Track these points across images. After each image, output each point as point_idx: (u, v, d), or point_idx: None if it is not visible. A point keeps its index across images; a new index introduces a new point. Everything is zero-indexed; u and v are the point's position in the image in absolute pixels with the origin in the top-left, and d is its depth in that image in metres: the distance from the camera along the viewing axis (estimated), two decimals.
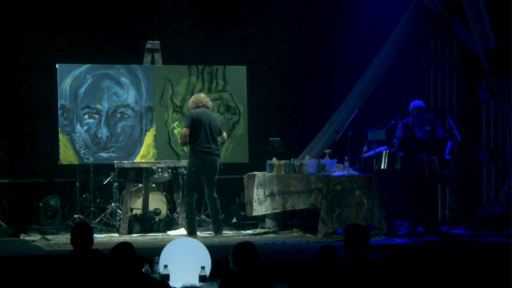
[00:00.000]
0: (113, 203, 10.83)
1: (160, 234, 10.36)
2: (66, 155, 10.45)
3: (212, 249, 6.89)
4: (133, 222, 10.47)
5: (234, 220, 11.16)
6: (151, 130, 10.73)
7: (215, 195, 10.10)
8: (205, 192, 10.16)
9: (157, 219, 10.65)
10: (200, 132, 9.91)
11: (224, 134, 10.25)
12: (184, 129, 10.01)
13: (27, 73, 11.83)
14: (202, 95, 10.20)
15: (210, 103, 10.16)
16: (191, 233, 9.97)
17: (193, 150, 10.00)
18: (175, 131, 10.80)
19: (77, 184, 11.08)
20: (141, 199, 10.75)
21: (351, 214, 9.74)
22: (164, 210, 10.82)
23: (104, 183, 11.20)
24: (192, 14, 12.51)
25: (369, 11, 12.54)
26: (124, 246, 5.10)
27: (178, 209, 10.67)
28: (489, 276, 7.50)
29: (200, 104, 10.05)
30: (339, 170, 10.01)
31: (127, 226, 10.34)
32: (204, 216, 11.22)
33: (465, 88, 12.50)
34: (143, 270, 5.37)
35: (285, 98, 12.77)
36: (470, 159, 12.12)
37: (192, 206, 10.06)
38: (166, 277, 6.31)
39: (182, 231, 10.37)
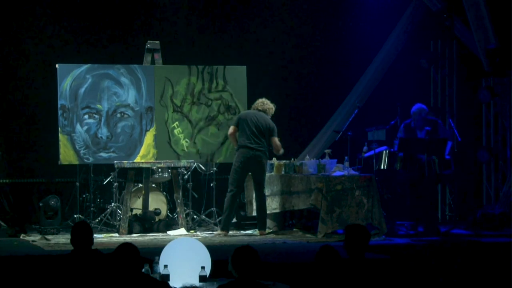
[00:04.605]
0: (113, 203, 10.83)
1: (160, 234, 10.36)
2: (66, 155, 10.45)
3: (212, 249, 6.89)
4: (133, 222, 10.47)
5: (234, 220, 11.15)
6: (151, 130, 10.73)
7: (262, 193, 10.25)
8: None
9: (157, 219, 10.65)
10: (244, 130, 10.16)
11: (275, 139, 10.19)
12: (231, 126, 10.35)
13: (27, 73, 11.83)
14: (261, 100, 10.40)
15: (268, 108, 10.32)
16: (223, 229, 10.14)
17: (237, 147, 10.25)
18: (175, 131, 10.81)
19: (77, 184, 11.08)
20: (141, 199, 10.75)
21: (351, 214, 9.74)
22: (164, 210, 10.82)
23: (104, 183, 11.20)
24: (192, 14, 12.51)
25: (369, 11, 12.54)
26: (129, 247, 5.08)
27: (178, 209, 10.66)
28: (489, 276, 7.51)
29: (256, 107, 10.36)
30: (339, 170, 10.01)
31: (127, 226, 10.34)
32: (204, 216, 11.22)
33: (465, 88, 12.50)
34: (143, 270, 5.35)
35: (285, 98, 12.75)
36: (470, 159, 12.13)
37: (230, 203, 10.18)
38: (166, 277, 6.31)
39: (182, 231, 10.38)
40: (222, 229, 10.18)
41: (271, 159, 10.63)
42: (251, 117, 10.25)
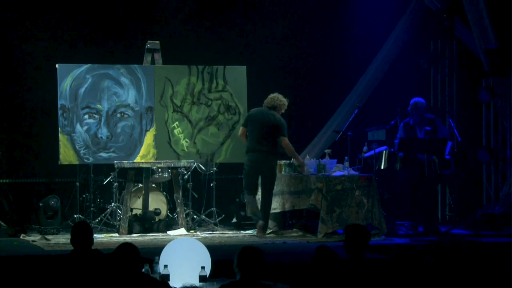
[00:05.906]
0: (113, 203, 10.82)
1: (160, 234, 10.36)
2: (66, 155, 10.45)
3: (212, 249, 6.89)
4: (133, 222, 10.47)
5: (234, 220, 11.16)
6: (151, 130, 10.73)
7: (269, 199, 10.12)
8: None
9: (157, 219, 10.65)
10: (253, 131, 10.07)
11: (283, 138, 10.03)
12: (240, 127, 10.31)
13: (27, 73, 11.83)
14: (271, 96, 10.24)
15: (278, 104, 10.14)
16: (257, 221, 10.04)
17: (246, 150, 10.19)
18: (175, 131, 10.81)
19: (77, 184, 11.08)
20: (141, 199, 10.75)
21: (351, 214, 9.74)
22: (164, 210, 10.82)
23: (104, 183, 11.20)
24: (192, 14, 12.51)
25: (369, 11, 12.53)
26: (129, 247, 5.08)
27: (178, 209, 10.66)
28: (489, 276, 7.51)
29: (266, 105, 10.19)
30: (339, 170, 10.01)
31: (127, 226, 10.34)
32: (204, 216, 11.22)
33: (465, 88, 12.50)
34: (143, 270, 5.36)
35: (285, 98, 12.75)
36: (470, 159, 12.12)
37: (250, 204, 10.07)
38: (166, 277, 6.31)
39: (182, 231, 10.38)
40: (256, 222, 10.04)
41: None
42: (260, 117, 10.11)
